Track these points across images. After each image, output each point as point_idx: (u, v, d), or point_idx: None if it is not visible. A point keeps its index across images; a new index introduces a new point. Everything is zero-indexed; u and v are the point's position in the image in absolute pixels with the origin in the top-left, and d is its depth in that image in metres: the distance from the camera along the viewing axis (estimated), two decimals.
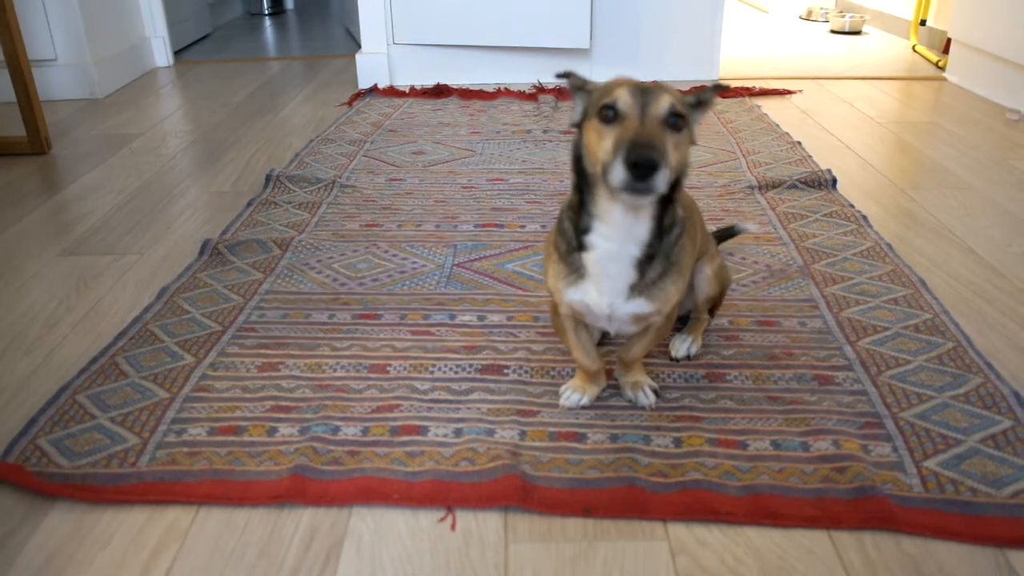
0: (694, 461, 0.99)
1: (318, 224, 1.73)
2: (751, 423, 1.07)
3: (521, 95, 2.81)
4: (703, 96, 0.93)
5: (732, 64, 3.24)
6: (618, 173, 0.81)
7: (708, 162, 2.10)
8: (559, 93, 2.80)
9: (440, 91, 2.85)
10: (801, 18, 4.62)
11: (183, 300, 1.40)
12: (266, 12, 5.08)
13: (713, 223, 1.67)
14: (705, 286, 1.20)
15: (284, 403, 1.12)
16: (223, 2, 4.70)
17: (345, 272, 1.51)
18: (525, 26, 2.86)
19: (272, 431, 1.06)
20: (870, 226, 1.66)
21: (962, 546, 0.87)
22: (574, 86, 0.94)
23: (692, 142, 0.90)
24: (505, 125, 2.47)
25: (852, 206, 1.77)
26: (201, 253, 1.59)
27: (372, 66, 2.97)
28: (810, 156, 2.11)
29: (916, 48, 3.52)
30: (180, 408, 1.11)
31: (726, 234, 1.51)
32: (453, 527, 0.91)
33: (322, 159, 2.16)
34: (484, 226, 1.71)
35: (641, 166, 0.80)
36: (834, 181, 1.90)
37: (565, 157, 2.14)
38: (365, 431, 1.05)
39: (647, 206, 0.91)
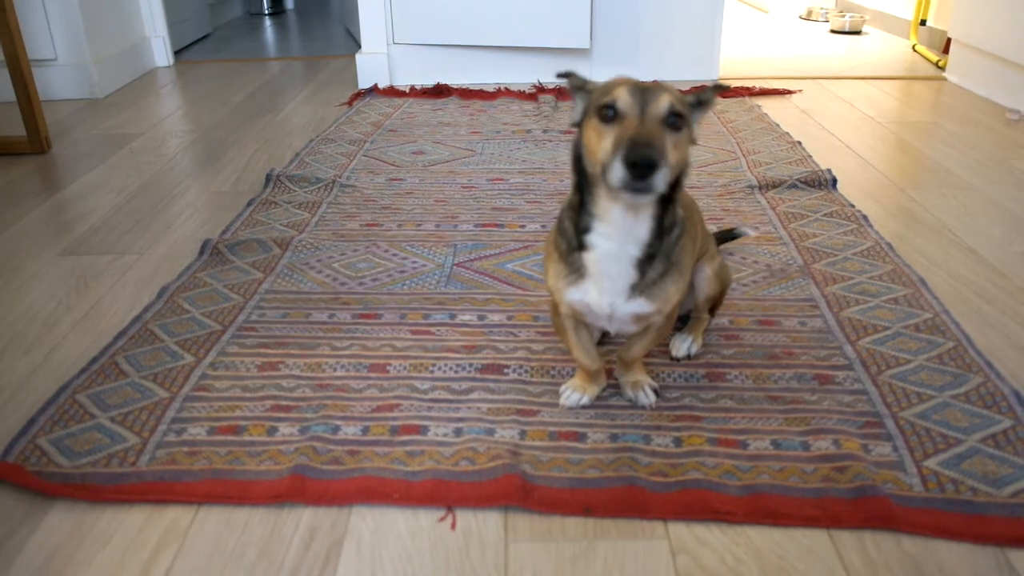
0: (694, 460, 0.99)
1: (318, 224, 1.73)
2: (751, 422, 1.06)
3: (521, 95, 2.81)
4: (703, 96, 0.93)
5: (732, 64, 3.24)
6: (617, 172, 0.81)
7: (708, 162, 2.10)
8: (559, 93, 2.80)
9: (440, 91, 2.85)
10: (801, 18, 4.62)
11: (183, 299, 1.40)
12: (266, 12, 5.08)
13: (713, 223, 1.67)
14: (705, 286, 1.20)
15: (284, 402, 1.12)
16: (223, 2, 4.70)
17: (345, 272, 1.51)
18: (525, 26, 2.86)
19: (272, 430, 1.06)
20: (870, 226, 1.66)
21: (962, 545, 0.87)
22: (574, 86, 0.94)
23: (692, 142, 0.90)
24: (505, 125, 2.47)
25: (852, 206, 1.77)
26: (201, 253, 1.59)
27: (372, 66, 2.97)
28: (810, 156, 2.11)
29: (916, 48, 3.52)
30: (180, 407, 1.11)
31: (726, 236, 1.51)
32: (453, 527, 0.91)
33: (322, 159, 2.16)
34: (484, 226, 1.71)
35: (640, 165, 0.80)
36: (834, 181, 1.90)
37: (565, 157, 2.14)
38: (365, 430, 1.05)
39: (647, 206, 0.91)
